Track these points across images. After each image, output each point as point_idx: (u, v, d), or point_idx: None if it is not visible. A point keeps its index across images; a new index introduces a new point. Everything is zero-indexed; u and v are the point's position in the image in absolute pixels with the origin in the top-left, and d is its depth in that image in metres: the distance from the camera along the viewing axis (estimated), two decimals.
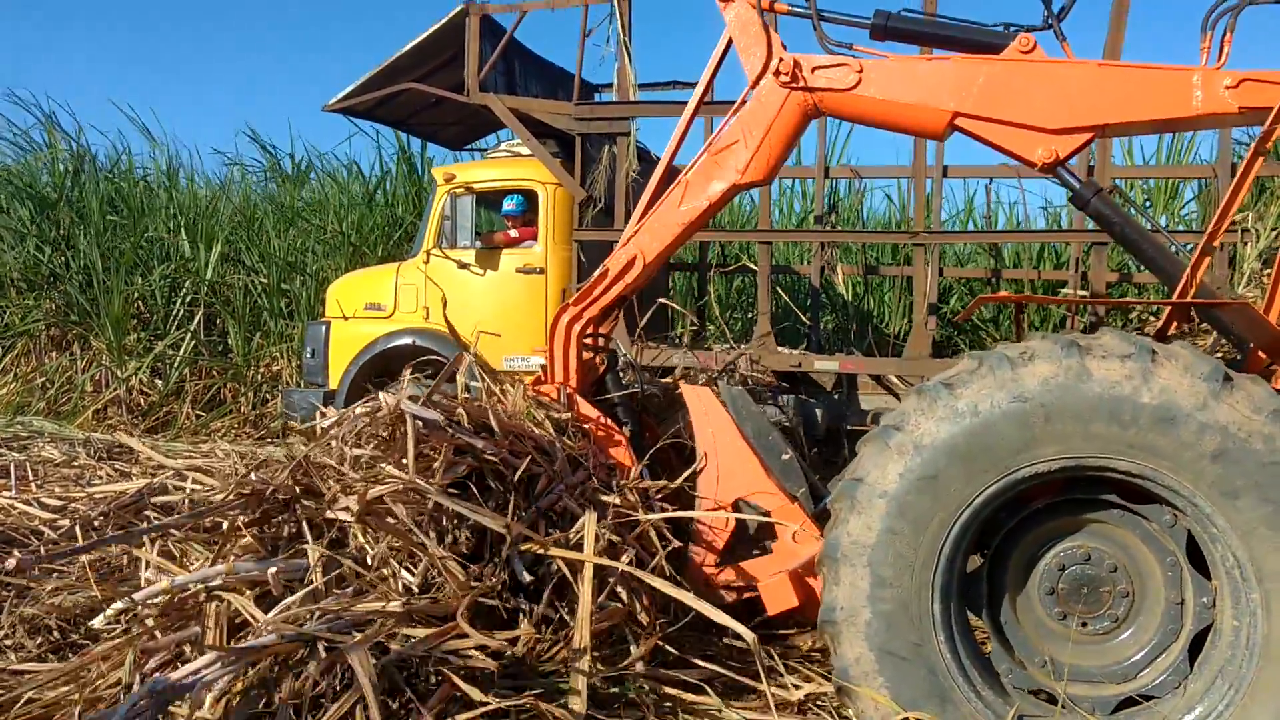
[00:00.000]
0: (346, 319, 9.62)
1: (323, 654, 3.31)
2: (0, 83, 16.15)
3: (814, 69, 4.48)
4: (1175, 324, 4.14)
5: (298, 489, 4.09)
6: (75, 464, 7.89)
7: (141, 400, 12.83)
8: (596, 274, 5.12)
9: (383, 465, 4.16)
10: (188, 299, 13.62)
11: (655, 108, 9.61)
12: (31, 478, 7.06)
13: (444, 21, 9.94)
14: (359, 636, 3.37)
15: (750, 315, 12.78)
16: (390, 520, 3.93)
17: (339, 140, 42.68)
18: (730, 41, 4.73)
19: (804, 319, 10.64)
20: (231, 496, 4.19)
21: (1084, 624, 3.73)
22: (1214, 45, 4.12)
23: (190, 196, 15.36)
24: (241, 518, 4.05)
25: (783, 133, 4.62)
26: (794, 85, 4.51)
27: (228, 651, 3.25)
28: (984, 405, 3.48)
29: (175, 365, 12.91)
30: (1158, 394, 3.36)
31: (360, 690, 3.16)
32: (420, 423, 4.20)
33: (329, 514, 3.97)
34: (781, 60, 4.52)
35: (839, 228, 11.96)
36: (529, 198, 9.73)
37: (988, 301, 4.76)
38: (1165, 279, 4.41)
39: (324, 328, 9.68)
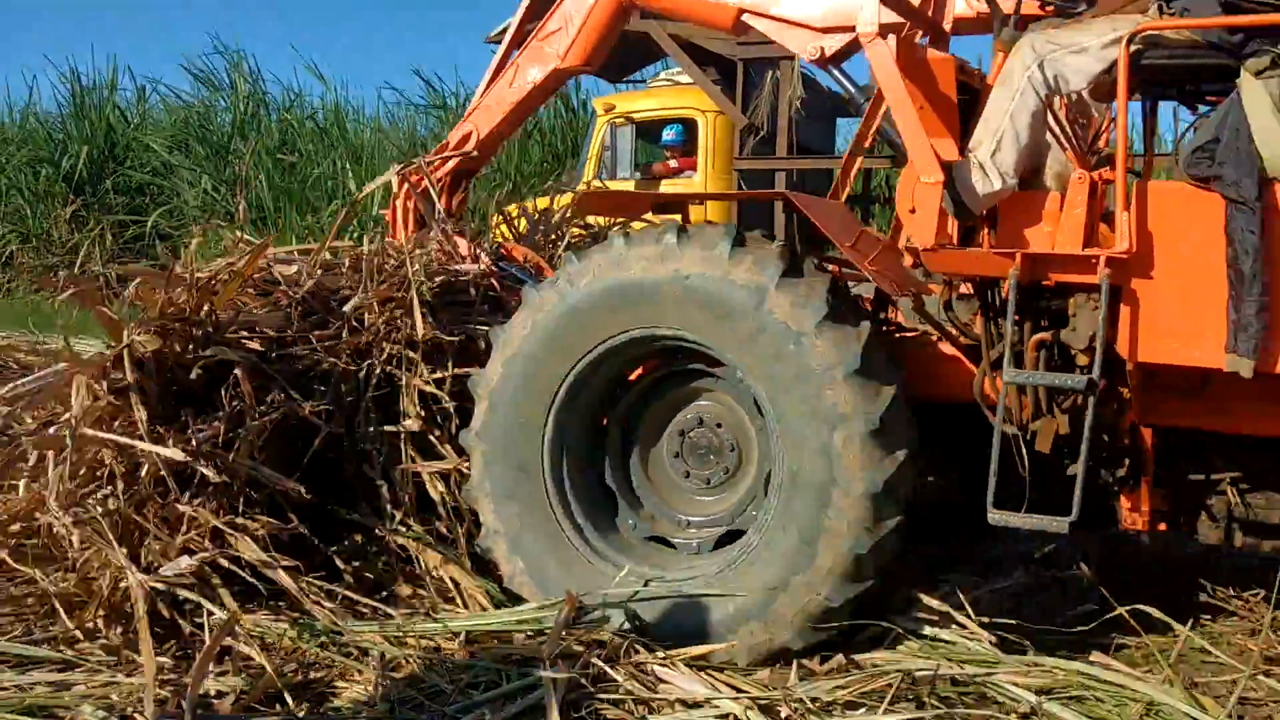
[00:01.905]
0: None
1: None
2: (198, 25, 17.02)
3: None
4: None
5: None
6: None
7: None
8: (438, 146, 5.68)
9: None
10: (355, 235, 13.99)
11: None
12: None
13: None
14: None
15: None
16: None
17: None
18: None
19: None
20: None
21: (706, 480, 4.08)
22: None
23: (357, 136, 15.78)
24: None
25: (598, 22, 5.01)
26: None
27: None
28: (570, 293, 3.90)
29: None
30: (675, 271, 3.73)
31: None
32: None
33: None
34: None
35: None
36: (689, 127, 9.55)
37: (590, 199, 5.29)
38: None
39: None
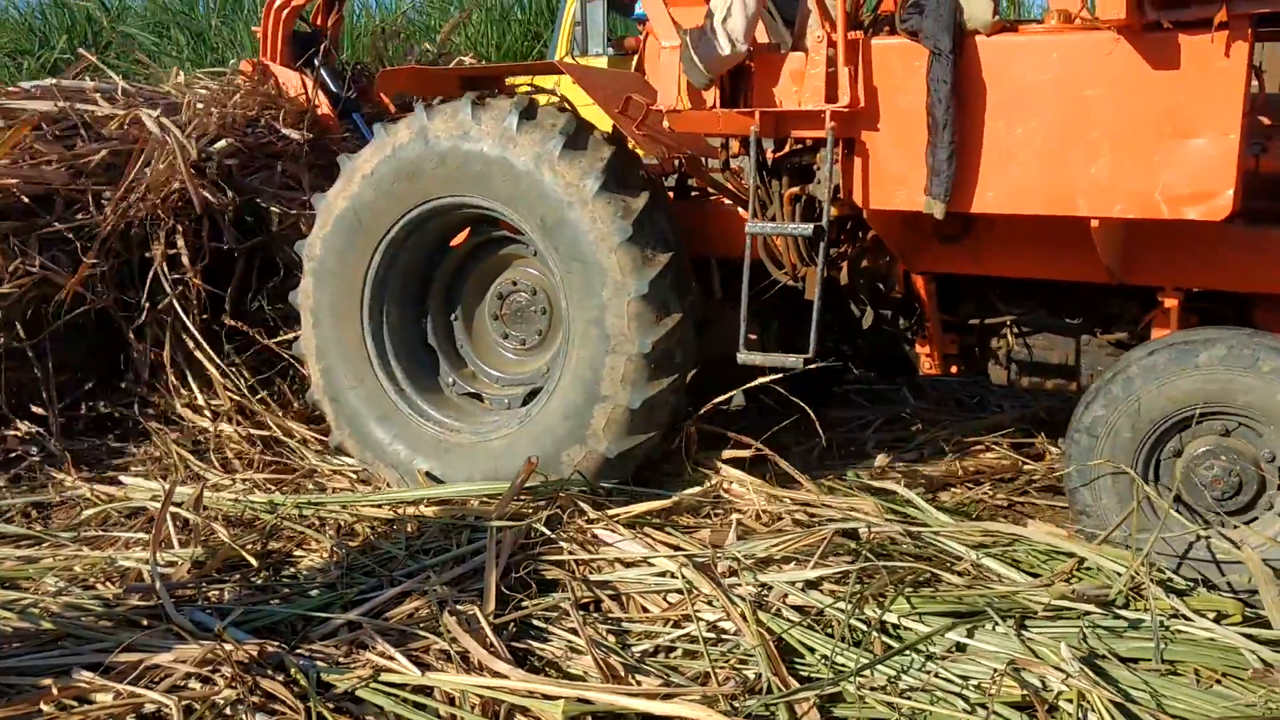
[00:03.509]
0: None
1: None
2: None
3: None
4: None
5: None
6: None
7: None
8: None
9: None
10: None
11: None
12: None
13: None
14: None
15: None
16: None
17: None
18: None
19: None
20: None
21: (522, 341, 4.37)
22: None
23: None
24: None
25: None
26: None
27: None
28: (377, 165, 4.09)
29: None
30: (474, 143, 3.89)
31: None
32: None
33: None
34: None
35: None
36: None
37: (392, 76, 4.82)
38: None
39: None
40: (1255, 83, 3.40)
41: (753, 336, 4.20)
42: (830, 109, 3.38)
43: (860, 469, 4.45)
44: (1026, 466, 4.55)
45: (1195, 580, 3.16)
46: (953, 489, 4.36)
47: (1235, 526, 3.27)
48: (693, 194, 4.60)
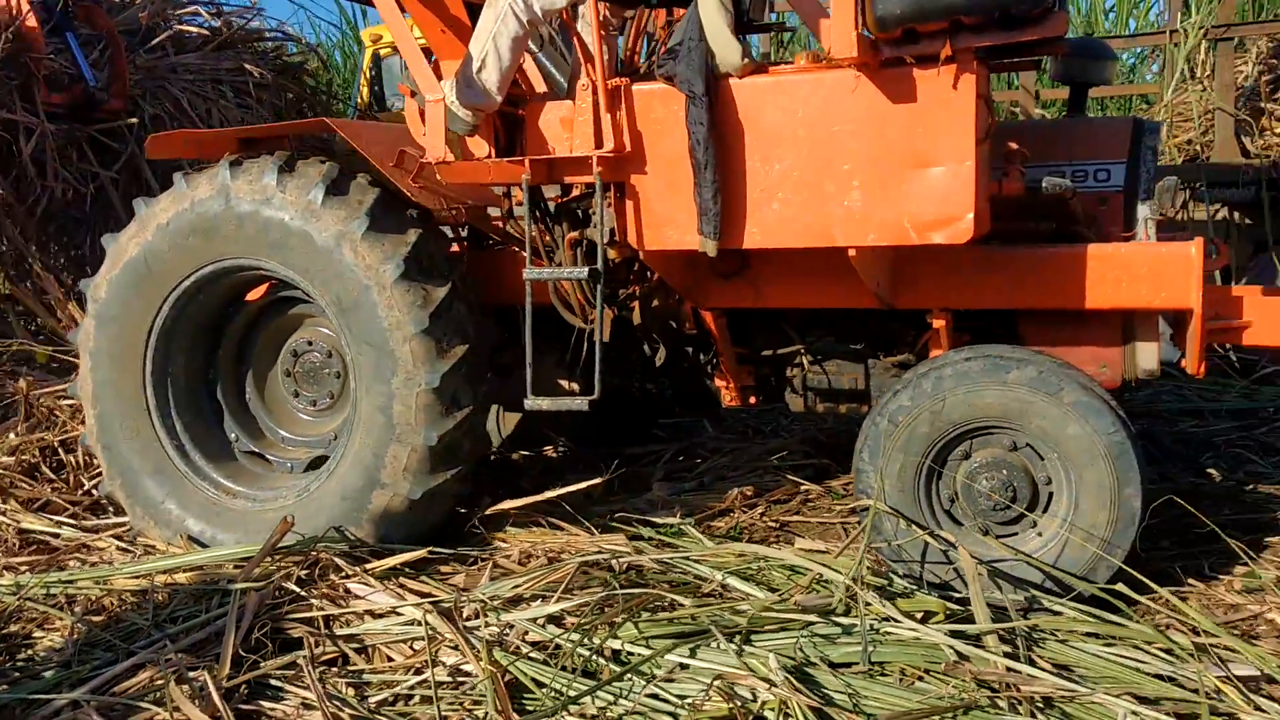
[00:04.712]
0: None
1: None
2: None
3: None
4: None
5: None
6: None
7: None
8: None
9: None
10: None
11: None
12: None
13: None
14: None
15: None
16: None
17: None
18: None
19: None
20: None
21: (313, 402, 4.27)
22: None
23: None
24: None
25: None
26: None
27: None
28: (173, 216, 3.98)
29: None
30: (276, 210, 3.81)
31: None
32: None
33: None
34: None
35: None
36: None
37: (161, 141, 4.28)
38: None
39: None
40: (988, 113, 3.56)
41: (563, 382, 4.23)
42: (597, 154, 3.45)
43: (641, 503, 4.53)
44: (803, 487, 4.71)
45: (920, 584, 3.32)
46: (730, 514, 4.47)
47: (995, 538, 3.40)
48: (489, 243, 4.58)
